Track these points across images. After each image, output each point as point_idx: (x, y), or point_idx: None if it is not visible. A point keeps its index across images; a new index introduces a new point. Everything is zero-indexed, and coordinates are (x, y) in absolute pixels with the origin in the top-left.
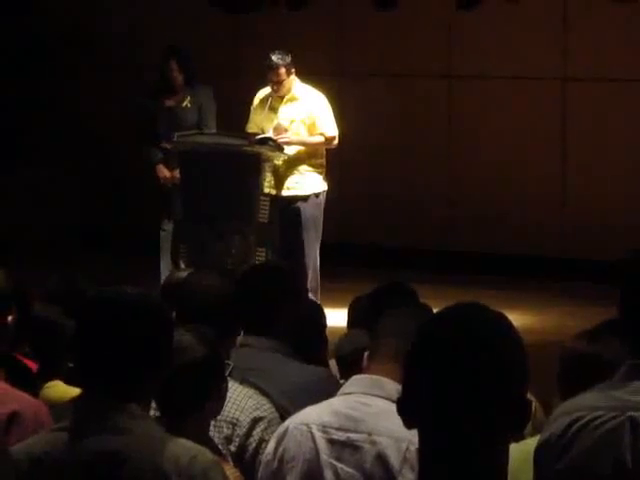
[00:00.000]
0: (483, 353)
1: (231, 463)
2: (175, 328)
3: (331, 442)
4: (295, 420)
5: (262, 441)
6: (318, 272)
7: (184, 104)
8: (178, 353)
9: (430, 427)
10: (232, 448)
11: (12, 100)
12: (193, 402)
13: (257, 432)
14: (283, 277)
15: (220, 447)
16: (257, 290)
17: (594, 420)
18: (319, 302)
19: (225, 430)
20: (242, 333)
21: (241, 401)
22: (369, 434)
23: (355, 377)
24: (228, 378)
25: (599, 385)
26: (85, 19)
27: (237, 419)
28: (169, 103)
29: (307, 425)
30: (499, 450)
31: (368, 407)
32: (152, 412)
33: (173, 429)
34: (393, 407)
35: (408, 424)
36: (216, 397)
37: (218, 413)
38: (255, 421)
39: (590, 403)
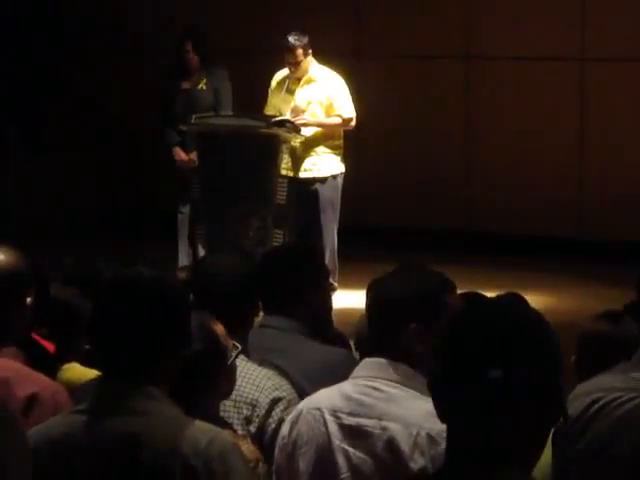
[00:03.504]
0: (516, 352)
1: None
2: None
3: (342, 427)
4: (308, 404)
5: (282, 421)
6: (335, 254)
7: (200, 86)
8: None
9: (461, 424)
10: (252, 429)
11: (29, 85)
12: (193, 393)
13: (276, 412)
14: (309, 259)
15: (240, 428)
16: (282, 271)
17: (613, 401)
18: (336, 284)
19: (245, 411)
20: (262, 314)
21: (260, 382)
22: (379, 419)
23: (366, 360)
24: (245, 359)
25: (617, 366)
26: (102, 2)
27: (256, 400)
28: (185, 85)
29: (319, 409)
30: (529, 450)
31: (378, 392)
32: None
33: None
34: (403, 391)
35: (441, 419)
36: (218, 385)
37: (225, 397)
38: (274, 402)
39: (609, 384)
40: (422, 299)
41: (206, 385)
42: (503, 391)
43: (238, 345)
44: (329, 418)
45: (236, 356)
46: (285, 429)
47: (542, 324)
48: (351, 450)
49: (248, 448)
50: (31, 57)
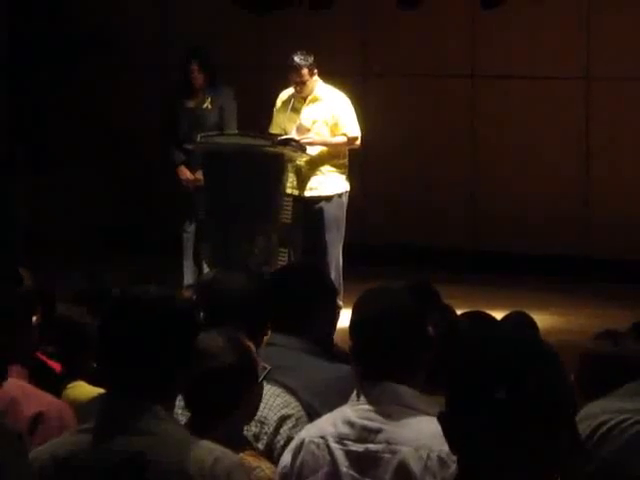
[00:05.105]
0: (521, 372)
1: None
2: (208, 331)
3: (349, 454)
4: (310, 433)
5: (290, 439)
6: (341, 272)
7: (205, 105)
8: (209, 358)
9: (471, 452)
10: (260, 446)
11: (31, 102)
12: (223, 407)
13: (285, 430)
14: (318, 277)
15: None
16: (289, 290)
17: (621, 423)
18: (342, 303)
19: (253, 428)
20: (270, 332)
21: (269, 399)
22: (388, 444)
23: (364, 383)
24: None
25: (624, 388)
26: (117, 19)
27: (265, 417)
28: (190, 104)
29: (324, 438)
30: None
31: (382, 415)
32: (180, 412)
33: (204, 431)
34: (407, 413)
35: (452, 449)
36: (248, 401)
37: (252, 416)
38: (283, 419)
39: (616, 406)
40: (416, 316)
41: (237, 399)
42: (510, 412)
43: (266, 366)
44: (335, 446)
45: (264, 376)
46: (286, 458)
47: (543, 343)
48: (359, 477)
49: (270, 469)
50: (46, 76)
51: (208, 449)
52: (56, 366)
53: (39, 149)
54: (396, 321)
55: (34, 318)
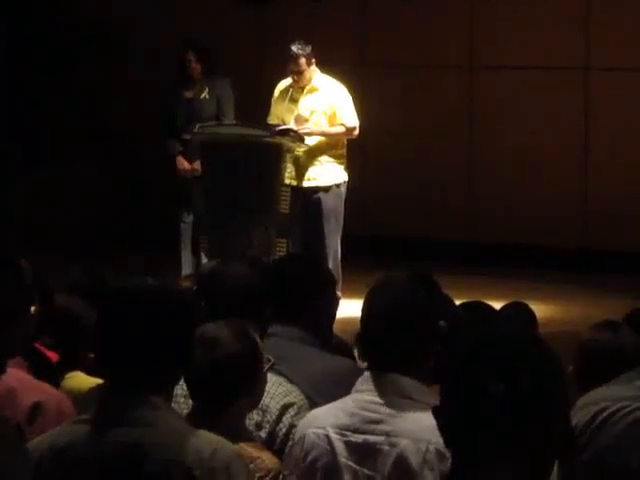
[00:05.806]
0: (517, 366)
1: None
2: (214, 320)
3: (348, 445)
4: (311, 424)
5: (292, 427)
6: (339, 263)
7: (202, 95)
8: (213, 347)
9: (462, 456)
10: (262, 434)
11: (30, 101)
12: (227, 396)
13: (287, 418)
14: (317, 268)
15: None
16: (287, 281)
17: (620, 410)
18: (340, 293)
19: (255, 417)
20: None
21: (270, 388)
22: (387, 435)
23: (367, 374)
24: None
25: (622, 375)
26: (116, 19)
27: (267, 406)
28: (188, 95)
29: (323, 428)
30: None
31: (383, 407)
32: (182, 400)
33: (207, 420)
34: (408, 405)
35: (447, 445)
36: (251, 392)
37: (254, 407)
38: (285, 407)
39: (615, 393)
40: (429, 309)
41: (242, 388)
42: (505, 407)
43: (270, 358)
44: (334, 436)
45: (268, 368)
46: (295, 452)
47: (540, 338)
48: (358, 468)
49: (271, 459)
50: (32, 74)
51: (207, 440)
52: (54, 356)
53: (39, 148)
54: (409, 315)
55: (32, 309)
